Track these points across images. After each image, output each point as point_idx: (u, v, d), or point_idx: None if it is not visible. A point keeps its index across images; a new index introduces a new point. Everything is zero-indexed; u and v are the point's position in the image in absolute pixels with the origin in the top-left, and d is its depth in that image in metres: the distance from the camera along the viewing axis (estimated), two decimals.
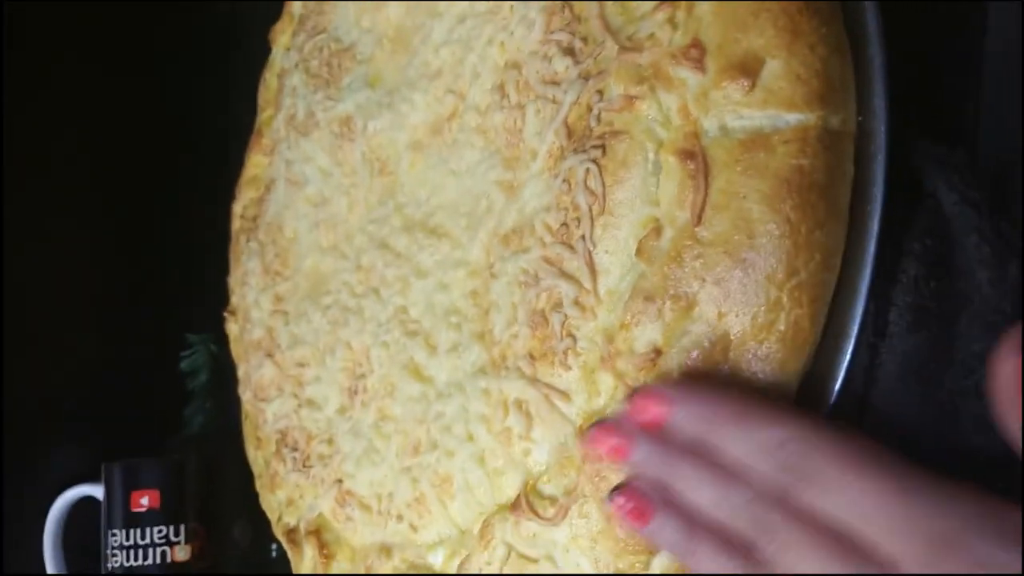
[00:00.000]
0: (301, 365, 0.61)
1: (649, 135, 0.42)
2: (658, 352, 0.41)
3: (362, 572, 0.54)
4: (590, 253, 0.44)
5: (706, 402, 0.38)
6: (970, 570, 0.31)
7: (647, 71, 0.42)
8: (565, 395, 0.44)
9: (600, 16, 0.45)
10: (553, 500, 0.44)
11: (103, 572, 0.69)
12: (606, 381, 0.43)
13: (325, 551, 0.57)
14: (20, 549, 0.70)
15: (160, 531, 0.68)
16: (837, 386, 0.39)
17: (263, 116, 0.71)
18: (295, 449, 0.60)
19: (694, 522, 0.37)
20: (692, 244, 0.40)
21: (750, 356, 0.39)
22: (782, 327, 0.38)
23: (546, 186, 0.47)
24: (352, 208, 0.60)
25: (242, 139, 0.72)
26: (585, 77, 0.45)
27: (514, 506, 0.45)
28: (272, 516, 0.63)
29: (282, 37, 0.70)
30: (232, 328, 0.69)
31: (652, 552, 0.41)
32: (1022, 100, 0.43)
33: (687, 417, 0.38)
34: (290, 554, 0.60)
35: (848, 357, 0.39)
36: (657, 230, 0.41)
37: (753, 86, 0.39)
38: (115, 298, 0.78)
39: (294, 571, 0.60)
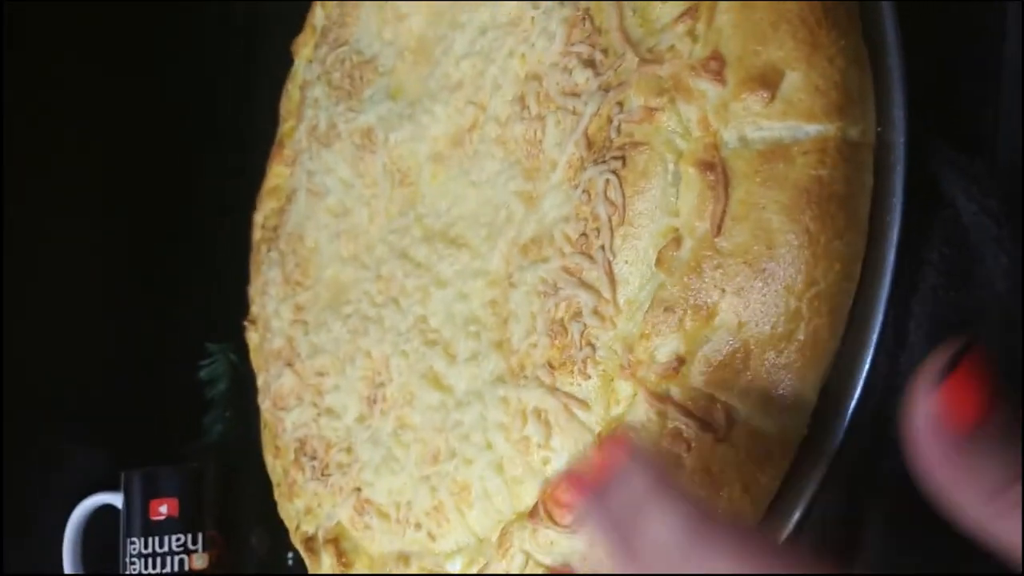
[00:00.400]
0: (321, 374, 0.61)
1: (669, 146, 0.42)
2: (681, 361, 0.41)
3: None
4: (610, 263, 0.44)
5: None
6: None
7: (667, 83, 0.43)
8: (584, 404, 0.44)
9: (620, 28, 0.46)
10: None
11: None
12: (625, 390, 0.43)
13: (343, 559, 0.57)
14: (40, 552, 0.71)
15: (178, 539, 0.69)
16: (856, 395, 0.39)
17: (285, 127, 0.71)
18: (314, 458, 0.60)
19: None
20: (712, 255, 0.40)
21: (769, 365, 0.39)
22: (801, 336, 0.38)
23: (566, 197, 0.47)
24: (373, 219, 0.60)
25: (260, 148, 0.73)
26: (605, 89, 0.46)
27: (532, 514, 0.45)
28: (290, 525, 0.64)
29: (304, 49, 0.71)
30: (252, 337, 0.70)
31: None
32: None
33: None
34: (308, 562, 0.60)
35: (867, 366, 0.39)
36: (677, 241, 0.41)
37: (773, 98, 0.39)
38: (135, 307, 0.78)
39: None
